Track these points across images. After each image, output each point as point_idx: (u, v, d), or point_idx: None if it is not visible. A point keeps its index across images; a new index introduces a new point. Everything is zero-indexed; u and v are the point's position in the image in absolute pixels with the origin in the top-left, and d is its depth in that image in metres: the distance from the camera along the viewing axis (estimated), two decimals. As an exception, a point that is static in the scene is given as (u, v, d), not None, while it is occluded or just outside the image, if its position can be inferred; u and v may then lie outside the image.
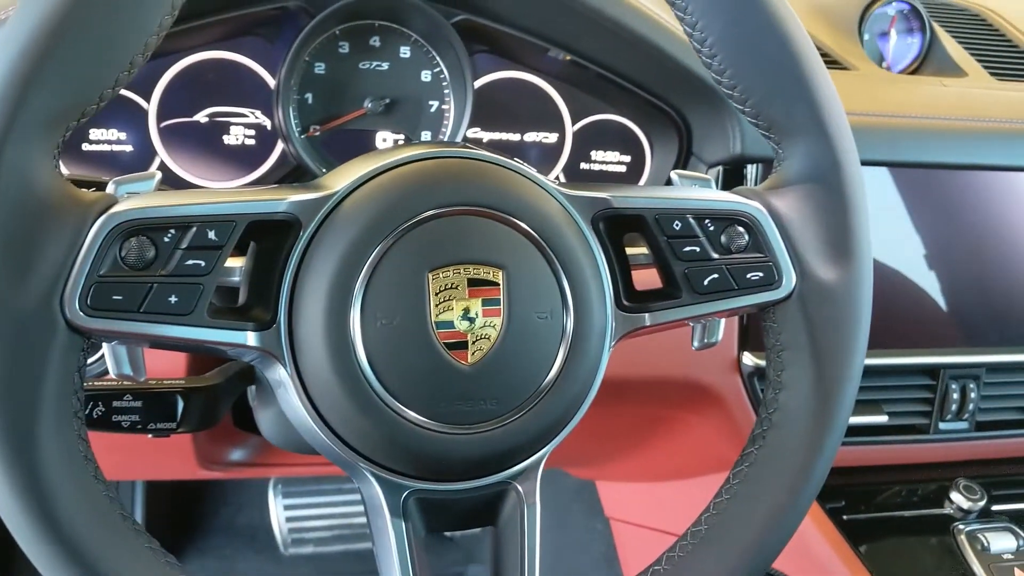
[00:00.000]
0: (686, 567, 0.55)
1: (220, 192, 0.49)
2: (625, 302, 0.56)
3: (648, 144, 0.96)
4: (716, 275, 0.55)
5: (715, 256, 0.55)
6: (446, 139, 0.92)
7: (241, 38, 0.87)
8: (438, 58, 0.90)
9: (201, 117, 0.87)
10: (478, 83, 0.92)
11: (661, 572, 0.55)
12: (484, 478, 0.53)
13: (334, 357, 0.48)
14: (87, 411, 0.65)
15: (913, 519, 0.99)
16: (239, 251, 0.49)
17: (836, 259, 0.55)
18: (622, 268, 0.56)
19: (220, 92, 0.87)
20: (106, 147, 0.86)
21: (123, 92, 0.84)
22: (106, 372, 0.68)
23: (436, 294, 0.49)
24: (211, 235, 0.47)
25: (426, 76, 0.91)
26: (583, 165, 0.96)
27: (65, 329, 0.44)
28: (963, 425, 1.01)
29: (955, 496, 0.99)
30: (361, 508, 0.54)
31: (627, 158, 0.96)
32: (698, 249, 0.55)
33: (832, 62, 1.03)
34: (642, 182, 0.97)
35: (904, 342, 0.98)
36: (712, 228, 0.56)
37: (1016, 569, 0.90)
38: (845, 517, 0.98)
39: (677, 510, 1.23)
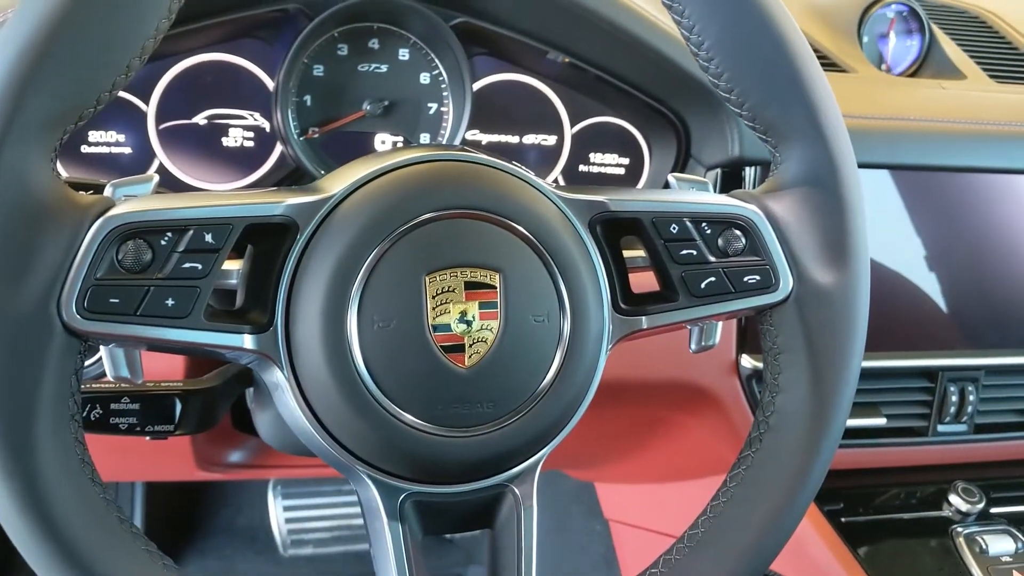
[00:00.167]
0: (683, 570, 0.55)
1: (217, 195, 0.49)
2: (622, 305, 0.56)
3: (647, 146, 0.96)
4: (713, 278, 0.55)
5: (712, 259, 0.55)
6: (445, 141, 0.92)
7: (240, 40, 0.87)
8: (437, 60, 0.90)
9: (200, 119, 0.87)
10: (477, 85, 0.92)
11: (658, 575, 0.55)
12: (481, 481, 0.53)
13: (331, 360, 0.48)
14: (85, 413, 0.65)
15: (911, 521, 0.99)
16: (236, 254, 0.49)
17: (833, 262, 0.55)
18: (619, 271, 0.56)
19: (219, 94, 0.87)
20: (105, 149, 0.86)
21: (122, 94, 0.84)
22: (104, 374, 0.68)
23: (433, 297, 0.49)
24: (208, 238, 0.47)
25: (425, 78, 0.91)
26: (582, 167, 0.96)
27: (62, 332, 0.44)
28: (961, 427, 1.01)
29: (953, 499, 0.99)
30: (360, 509, 0.55)
31: (626, 160, 0.96)
32: (695, 252, 0.55)
33: (831, 64, 1.03)
34: (640, 184, 0.97)
35: (903, 344, 0.98)
36: (709, 231, 0.56)
37: (1015, 571, 0.90)
38: (843, 519, 0.98)
39: (676, 512, 1.23)
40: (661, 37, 0.84)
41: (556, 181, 0.92)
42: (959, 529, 0.96)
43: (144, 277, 0.46)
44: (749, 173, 0.90)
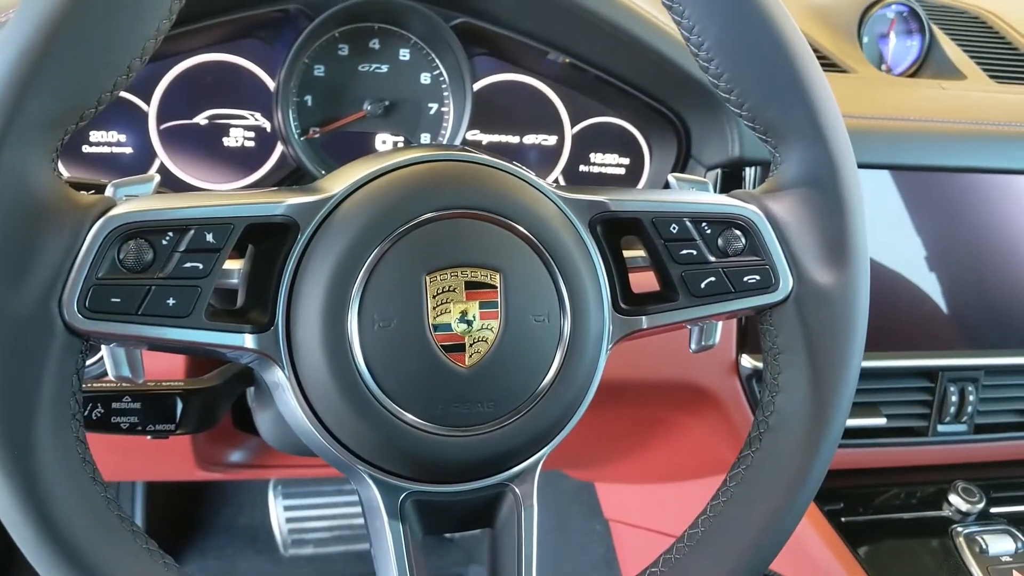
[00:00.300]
0: (682, 569, 0.55)
1: (218, 195, 0.49)
2: (622, 305, 0.56)
3: (647, 147, 0.96)
4: (713, 278, 0.55)
5: (712, 259, 0.56)
6: (445, 141, 0.92)
7: (241, 40, 0.87)
8: (437, 60, 0.90)
9: (201, 119, 0.87)
10: (477, 85, 0.92)
11: (658, 574, 0.55)
12: (481, 480, 0.53)
13: (331, 359, 0.48)
14: (86, 412, 0.65)
15: (911, 521, 0.99)
16: (237, 253, 0.50)
17: (833, 263, 0.55)
18: (619, 271, 0.56)
19: (220, 94, 0.87)
20: (106, 149, 0.86)
21: (123, 94, 0.85)
22: (105, 374, 0.68)
23: (433, 297, 0.49)
24: (209, 238, 0.47)
25: (425, 78, 0.91)
26: (582, 167, 0.96)
27: (63, 331, 0.44)
28: (961, 427, 1.01)
29: (953, 498, 0.99)
30: (360, 509, 0.55)
31: (626, 160, 0.96)
32: (695, 252, 0.55)
33: (831, 65, 1.03)
34: (641, 184, 0.97)
35: (903, 344, 0.98)
36: (709, 231, 0.56)
37: (1015, 571, 0.90)
38: (843, 519, 0.98)
39: (676, 512, 1.23)
40: (661, 37, 0.85)
41: (556, 181, 0.92)
42: (959, 529, 0.96)
43: (145, 277, 0.46)
44: (749, 173, 0.90)
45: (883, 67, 1.08)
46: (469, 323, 0.50)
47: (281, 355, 0.49)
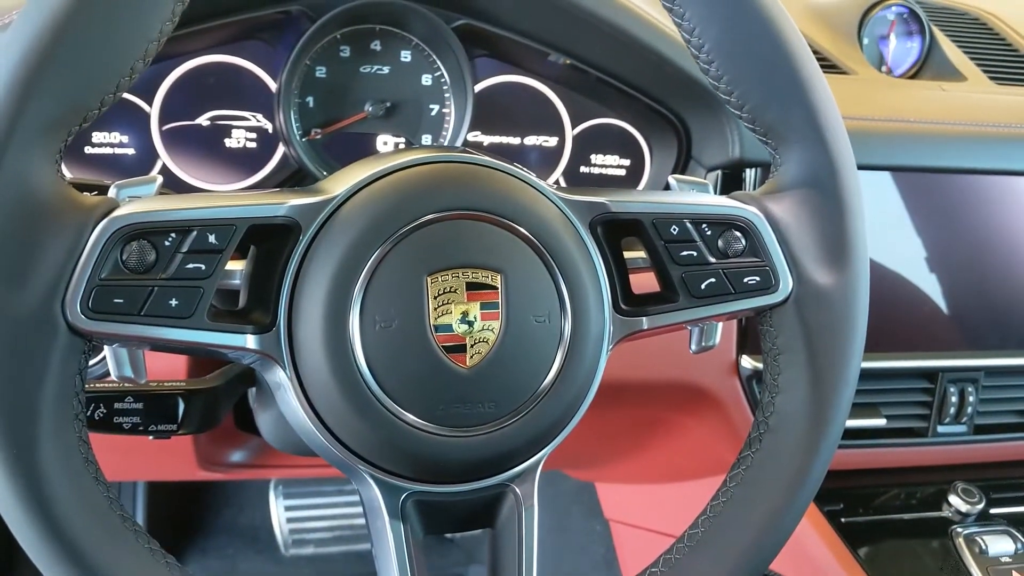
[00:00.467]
0: (682, 570, 0.55)
1: (220, 196, 0.49)
2: (623, 306, 0.56)
3: (647, 148, 0.97)
4: (713, 279, 0.56)
5: (712, 260, 0.56)
6: (447, 142, 0.92)
7: (243, 42, 0.87)
8: (439, 62, 0.91)
9: (203, 120, 0.88)
10: (478, 87, 0.92)
11: (658, 575, 0.56)
12: (482, 480, 0.53)
13: (333, 360, 0.48)
14: (88, 413, 0.65)
15: (911, 522, 0.99)
16: (240, 254, 0.50)
17: (832, 264, 0.56)
18: (620, 272, 0.56)
19: (222, 96, 0.88)
20: (108, 150, 0.86)
21: (126, 96, 0.85)
22: (107, 374, 0.68)
23: (435, 298, 0.49)
24: (211, 239, 0.47)
25: (427, 80, 0.91)
26: (583, 168, 0.96)
27: (66, 332, 0.44)
28: (961, 428, 1.01)
29: (953, 499, 0.99)
30: (362, 509, 0.55)
31: (626, 162, 0.97)
32: (695, 253, 0.56)
33: (831, 66, 1.03)
34: (641, 186, 0.97)
35: (903, 345, 0.98)
36: (709, 232, 0.56)
37: (1014, 572, 0.90)
38: (843, 520, 0.98)
39: (676, 512, 1.23)
40: (662, 39, 0.85)
41: (557, 182, 0.92)
42: (959, 529, 0.96)
43: (148, 277, 0.46)
44: (749, 175, 0.91)
45: (883, 68, 1.08)
46: (470, 324, 0.50)
47: (283, 355, 0.49)
